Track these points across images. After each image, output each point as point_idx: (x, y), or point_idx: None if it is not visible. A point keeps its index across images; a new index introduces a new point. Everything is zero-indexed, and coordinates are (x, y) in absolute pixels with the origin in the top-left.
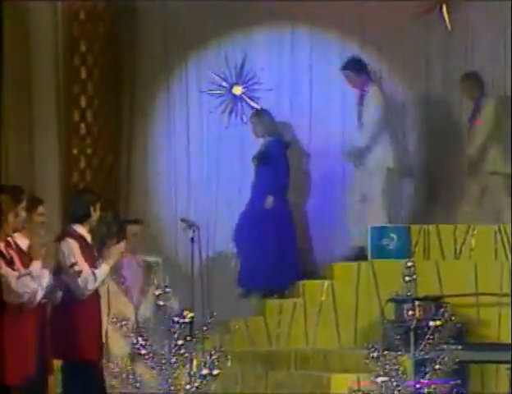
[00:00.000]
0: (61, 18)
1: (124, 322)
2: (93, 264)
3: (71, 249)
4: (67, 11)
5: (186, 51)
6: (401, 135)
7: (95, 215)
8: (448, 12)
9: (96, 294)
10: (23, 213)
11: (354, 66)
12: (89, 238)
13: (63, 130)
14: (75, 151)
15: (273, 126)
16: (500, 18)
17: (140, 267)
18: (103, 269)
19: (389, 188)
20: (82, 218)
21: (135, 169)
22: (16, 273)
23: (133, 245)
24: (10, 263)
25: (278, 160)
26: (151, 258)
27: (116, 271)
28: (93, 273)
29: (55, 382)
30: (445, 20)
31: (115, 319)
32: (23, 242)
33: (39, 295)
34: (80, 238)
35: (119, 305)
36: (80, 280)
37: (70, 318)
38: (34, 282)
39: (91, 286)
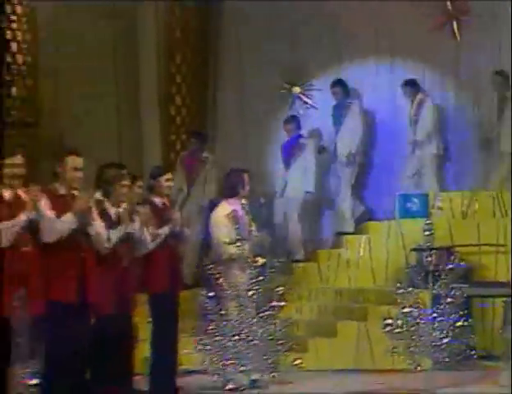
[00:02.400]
0: (162, 37)
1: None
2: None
3: None
4: (166, 30)
5: (257, 54)
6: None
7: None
8: (458, 26)
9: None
10: (125, 186)
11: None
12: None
13: (163, 121)
14: (172, 137)
15: None
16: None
17: (244, 210)
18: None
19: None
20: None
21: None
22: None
23: (241, 194)
24: (110, 221)
25: None
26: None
27: (234, 221)
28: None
29: None
30: (454, 33)
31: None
32: (111, 209)
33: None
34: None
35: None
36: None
37: None
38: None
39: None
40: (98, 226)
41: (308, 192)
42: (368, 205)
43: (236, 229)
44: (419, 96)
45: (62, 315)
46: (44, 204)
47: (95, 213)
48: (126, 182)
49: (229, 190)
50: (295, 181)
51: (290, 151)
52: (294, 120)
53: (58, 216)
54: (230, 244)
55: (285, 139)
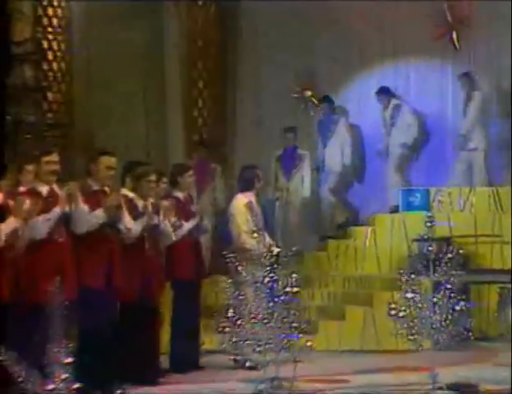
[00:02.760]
0: (185, 45)
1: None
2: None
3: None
4: (189, 39)
5: (273, 60)
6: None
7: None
8: (458, 36)
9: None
10: (152, 182)
11: None
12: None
13: (186, 122)
14: (195, 137)
15: None
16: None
17: (258, 203)
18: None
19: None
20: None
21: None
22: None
23: (256, 188)
24: (137, 215)
25: None
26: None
27: (251, 211)
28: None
29: None
30: (453, 42)
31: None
32: (139, 203)
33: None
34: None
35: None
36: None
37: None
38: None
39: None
40: (127, 221)
41: (303, 198)
42: (368, 203)
43: (253, 220)
44: (393, 102)
45: (92, 299)
46: (79, 198)
47: (124, 209)
48: (153, 178)
49: (245, 184)
50: (295, 189)
51: (291, 163)
52: (292, 130)
53: (90, 210)
54: (248, 233)
55: (281, 151)
